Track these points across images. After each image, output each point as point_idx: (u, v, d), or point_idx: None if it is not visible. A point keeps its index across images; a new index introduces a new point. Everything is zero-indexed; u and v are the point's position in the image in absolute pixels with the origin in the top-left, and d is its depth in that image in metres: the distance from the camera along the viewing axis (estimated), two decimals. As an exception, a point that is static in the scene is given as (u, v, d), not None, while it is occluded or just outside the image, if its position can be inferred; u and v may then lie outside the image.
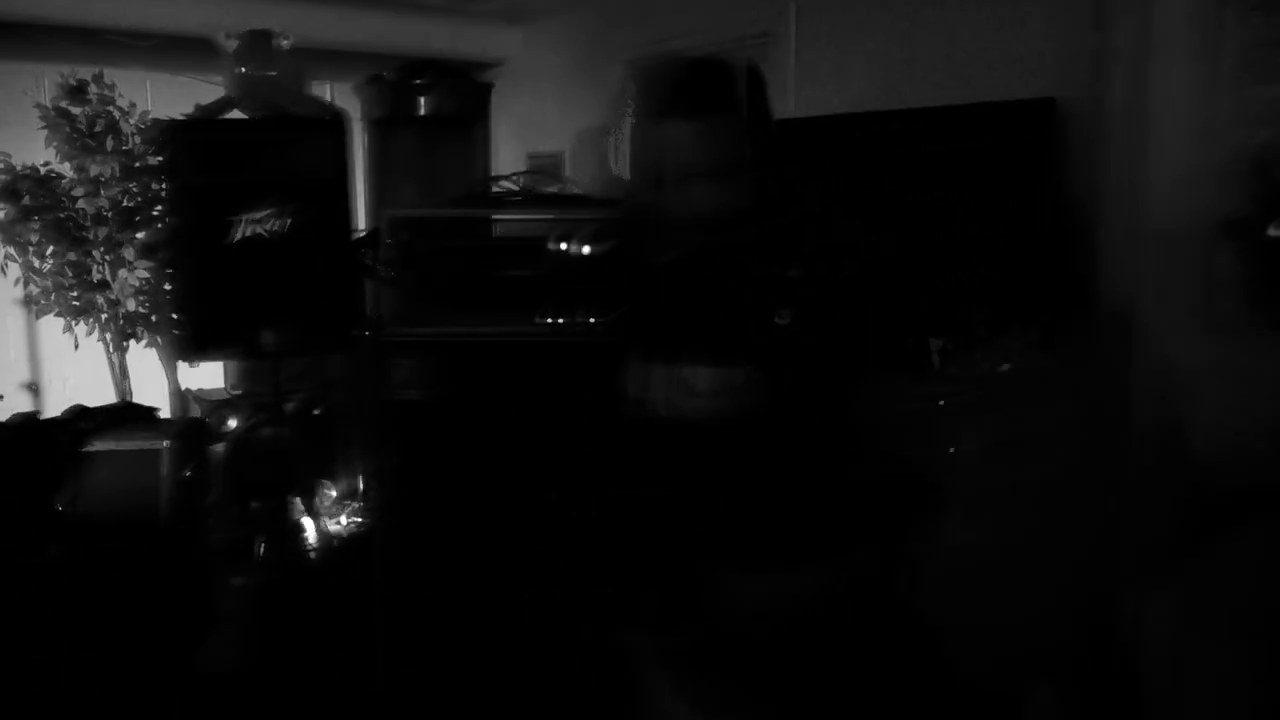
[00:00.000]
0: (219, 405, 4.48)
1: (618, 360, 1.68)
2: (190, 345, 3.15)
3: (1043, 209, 2.68)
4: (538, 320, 2.75)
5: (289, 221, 3.09)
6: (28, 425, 3.50)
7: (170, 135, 3.19)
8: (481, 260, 3.00)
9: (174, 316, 3.84)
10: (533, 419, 2.80)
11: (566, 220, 2.85)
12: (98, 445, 3.44)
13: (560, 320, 2.76)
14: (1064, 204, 2.67)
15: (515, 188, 3.16)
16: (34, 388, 4.49)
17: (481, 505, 2.77)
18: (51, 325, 4.34)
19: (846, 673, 1.60)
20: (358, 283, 3.15)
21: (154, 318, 4.27)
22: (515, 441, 2.82)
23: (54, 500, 3.30)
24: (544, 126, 4.48)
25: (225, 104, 3.29)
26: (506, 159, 4.72)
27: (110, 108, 4.24)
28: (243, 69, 3.16)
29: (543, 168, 3.83)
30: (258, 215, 3.07)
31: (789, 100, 3.39)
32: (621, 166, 1.67)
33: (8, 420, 3.51)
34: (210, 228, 3.10)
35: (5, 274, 4.21)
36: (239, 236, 3.07)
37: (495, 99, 4.80)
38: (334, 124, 3.21)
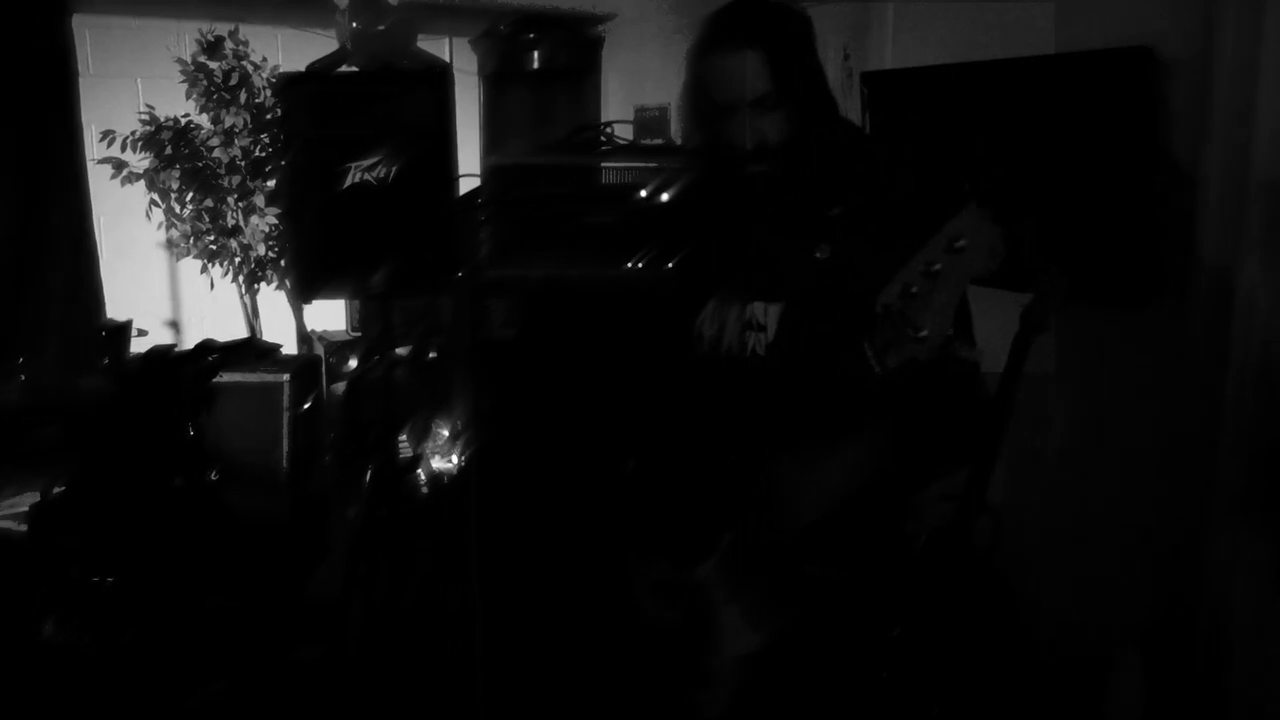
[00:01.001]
0: (340, 346, 4.74)
1: (689, 301, 1.75)
2: (304, 286, 3.35)
3: (1140, 162, 2.60)
4: (627, 265, 2.84)
5: (395, 169, 3.23)
6: (160, 357, 3.80)
7: (285, 89, 3.37)
8: (574, 206, 3.09)
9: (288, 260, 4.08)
10: (614, 363, 2.87)
11: (656, 169, 2.92)
12: (224, 378, 3.71)
13: (643, 265, 2.84)
14: (1163, 158, 2.59)
15: (609, 138, 3.24)
16: (174, 325, 4.84)
17: (566, 445, 2.88)
18: (190, 267, 4.66)
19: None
20: (461, 228, 3.28)
21: (281, 261, 4.55)
22: (599, 384, 2.91)
23: (183, 430, 3.58)
24: (651, 80, 4.53)
25: (338, 58, 3.45)
26: (615, 112, 4.79)
27: (244, 62, 4.50)
28: (354, 24, 3.32)
29: (647, 120, 3.89)
30: (366, 164, 3.22)
31: (886, 53, 3.37)
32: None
33: (144, 353, 3.81)
34: (322, 176, 3.27)
35: (149, 219, 4.54)
36: (349, 183, 3.23)
37: (605, 52, 4.87)
38: (437, 78, 3.33)
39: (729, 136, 1.60)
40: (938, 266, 1.32)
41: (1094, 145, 2.63)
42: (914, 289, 1.33)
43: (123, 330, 3.77)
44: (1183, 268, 2.52)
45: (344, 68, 3.38)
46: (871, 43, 3.50)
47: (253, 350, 4.02)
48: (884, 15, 3.44)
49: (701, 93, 1.62)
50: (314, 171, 3.24)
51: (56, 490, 3.12)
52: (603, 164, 2.99)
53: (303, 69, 4.59)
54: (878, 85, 3.32)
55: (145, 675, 2.97)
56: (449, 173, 3.27)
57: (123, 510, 3.21)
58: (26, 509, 3.28)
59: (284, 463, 3.78)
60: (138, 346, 3.89)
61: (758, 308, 1.64)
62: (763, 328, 1.63)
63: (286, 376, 3.79)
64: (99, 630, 3.01)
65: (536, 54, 4.75)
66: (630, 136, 3.37)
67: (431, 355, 4.52)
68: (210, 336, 4.30)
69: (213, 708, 2.88)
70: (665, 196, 2.88)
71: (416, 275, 3.27)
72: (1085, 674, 2.67)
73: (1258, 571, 2.36)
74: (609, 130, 3.16)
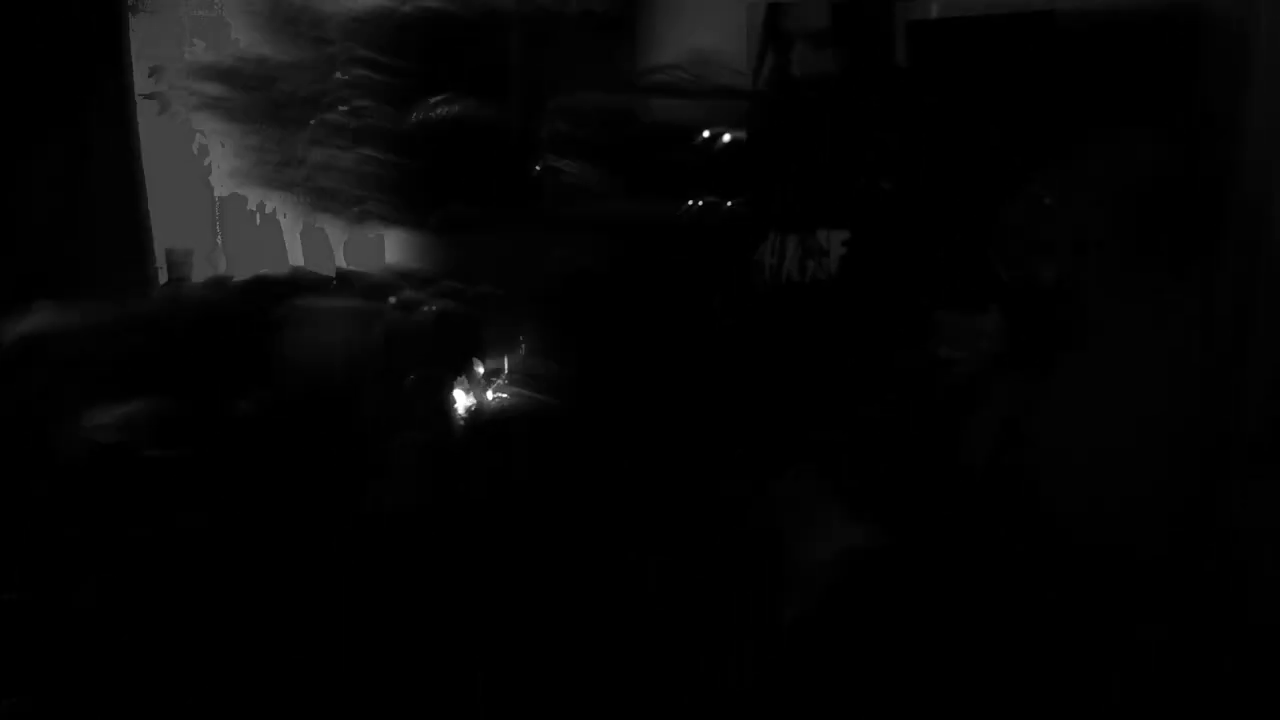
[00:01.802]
0: (382, 283, 4.86)
1: (751, 236, 1.90)
2: (374, 218, 3.49)
3: (1179, 123, 2.68)
4: (689, 203, 2.99)
5: (459, 109, 3.35)
6: (224, 287, 3.92)
7: (356, 28, 3.48)
8: (637, 145, 3.23)
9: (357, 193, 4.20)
10: (682, 296, 3.00)
11: (718, 107, 3.06)
12: (289, 307, 3.84)
13: (705, 202, 2.99)
14: (1204, 118, 2.69)
15: (672, 79, 3.37)
16: (224, 254, 4.94)
17: (636, 372, 3.04)
18: (234, 200, 4.76)
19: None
20: (524, 167, 3.42)
21: (336, 195, 4.65)
22: (668, 315, 3.05)
23: (251, 358, 3.71)
24: (701, 26, 4.61)
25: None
26: (660, 55, 4.88)
27: (296, -2, 4.56)
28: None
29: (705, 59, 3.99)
30: (432, 101, 3.35)
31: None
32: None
33: (207, 282, 3.93)
34: (391, 114, 3.39)
35: (195, 150, 4.63)
36: (416, 121, 3.35)
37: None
38: (500, 20, 3.47)
39: (798, 69, 1.74)
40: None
41: (1135, 100, 2.73)
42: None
43: (187, 257, 3.89)
44: (1220, 223, 2.64)
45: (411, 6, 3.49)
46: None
47: (308, 281, 4.15)
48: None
49: (774, 28, 1.77)
50: (382, 109, 3.38)
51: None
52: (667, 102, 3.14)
53: (358, 5, 4.68)
54: (922, 35, 3.43)
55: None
56: (511, 114, 3.41)
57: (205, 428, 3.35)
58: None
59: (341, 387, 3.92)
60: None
61: (820, 235, 1.79)
62: (826, 252, 1.78)
63: (348, 305, 3.93)
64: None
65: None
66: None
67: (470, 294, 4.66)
68: (257, 267, 4.45)
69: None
70: (729, 136, 3.03)
71: (481, 213, 3.43)
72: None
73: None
74: (677, 71, 3.30)
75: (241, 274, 4.45)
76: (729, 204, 2.89)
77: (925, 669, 1.81)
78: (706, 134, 3.03)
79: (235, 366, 3.49)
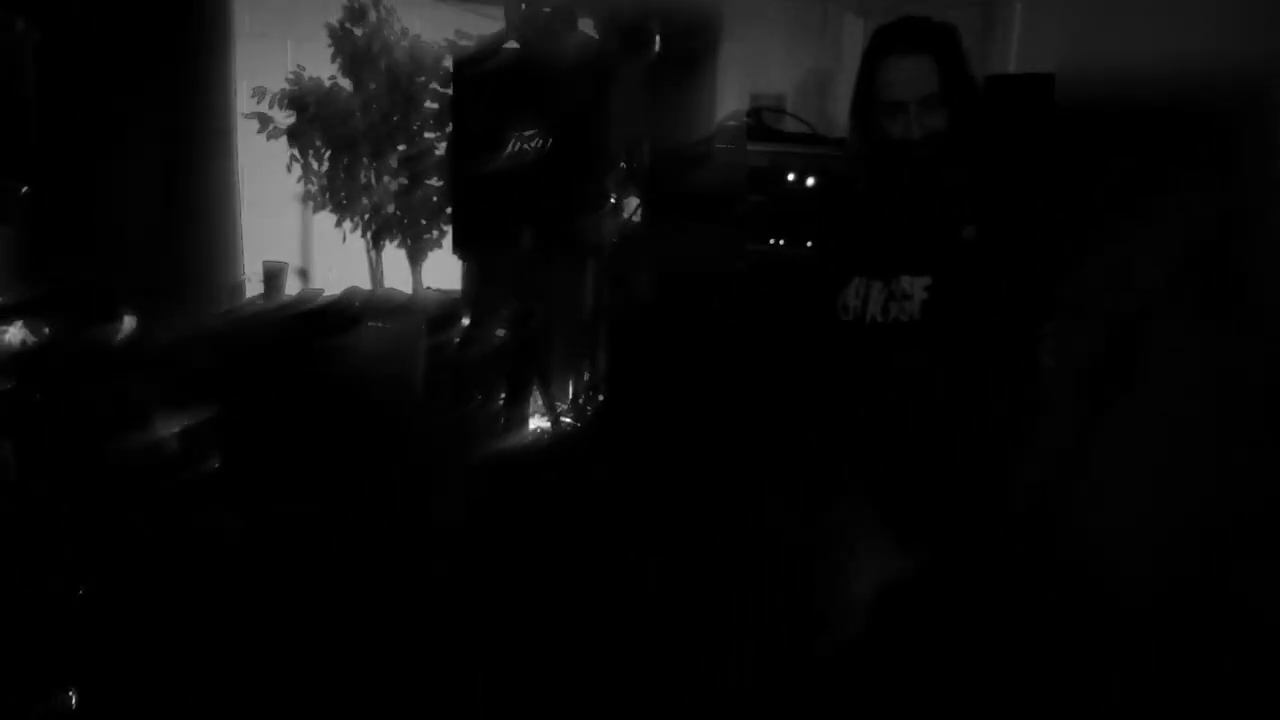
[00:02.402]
0: (452, 304, 5.04)
1: (832, 277, 2.03)
2: (462, 242, 3.67)
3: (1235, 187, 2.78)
4: (770, 242, 3.14)
5: (550, 142, 3.52)
6: (315, 302, 4.12)
7: (456, 68, 3.68)
8: (720, 188, 3.38)
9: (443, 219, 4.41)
10: (757, 331, 3.10)
11: (800, 154, 3.20)
12: (370, 322, 4.03)
13: (784, 242, 3.13)
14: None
15: (751, 123, 3.52)
16: (304, 273, 5.16)
17: (704, 410, 3.15)
18: (323, 220, 4.98)
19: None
20: (605, 202, 3.58)
21: (405, 221, 4.88)
22: (741, 352, 3.16)
23: (327, 369, 3.88)
24: (767, 68, 4.78)
25: (503, 36, 3.73)
26: (730, 98, 5.04)
27: (385, 30, 4.79)
28: (523, 5, 3.61)
29: (770, 106, 4.15)
30: (526, 134, 3.52)
31: (1010, 59, 3.60)
32: (841, 106, 2.04)
33: (298, 297, 4.13)
34: (486, 143, 3.57)
35: (289, 172, 4.86)
36: (509, 151, 3.53)
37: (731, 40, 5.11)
38: (593, 60, 3.64)
39: (896, 131, 1.90)
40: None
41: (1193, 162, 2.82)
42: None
43: (280, 272, 4.09)
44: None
45: (509, 44, 3.67)
46: (995, 46, 3.74)
47: (388, 302, 4.34)
48: (1010, 18, 3.67)
49: (873, 92, 1.93)
50: (478, 139, 3.57)
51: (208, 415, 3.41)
52: (762, 148, 3.29)
53: (442, 39, 4.91)
54: (1000, 90, 3.56)
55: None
56: (603, 150, 3.57)
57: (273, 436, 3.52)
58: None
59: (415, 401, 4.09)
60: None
61: (904, 280, 1.92)
62: (908, 296, 1.91)
63: (424, 325, 4.11)
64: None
65: (658, 38, 5.01)
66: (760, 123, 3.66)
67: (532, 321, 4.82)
68: (341, 285, 4.65)
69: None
70: (811, 181, 3.17)
71: (567, 242, 3.59)
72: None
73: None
74: (759, 117, 3.46)
75: (328, 290, 4.67)
76: (807, 245, 2.99)
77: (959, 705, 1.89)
78: (791, 178, 3.18)
79: (309, 384, 3.65)
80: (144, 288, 4.24)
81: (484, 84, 3.54)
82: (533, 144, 3.51)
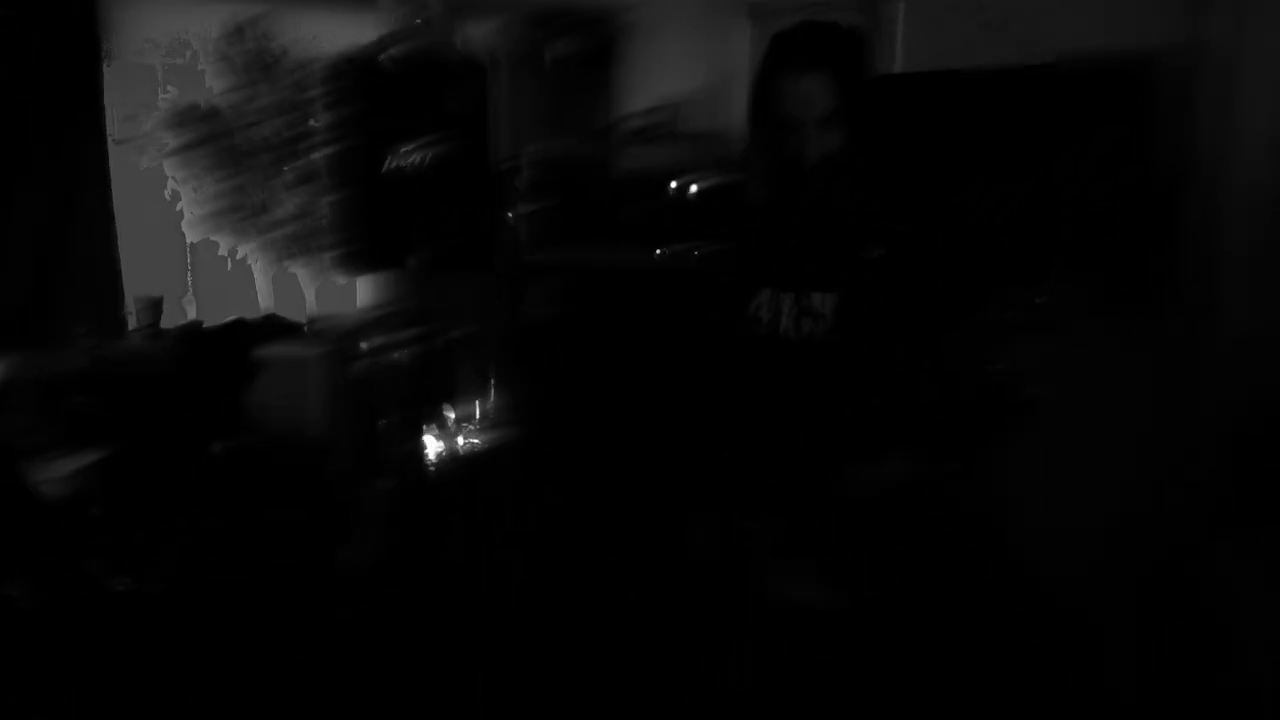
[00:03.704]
0: (354, 327, 4.85)
1: (730, 288, 1.93)
2: (349, 262, 3.50)
3: (1131, 168, 2.78)
4: (658, 251, 3.03)
5: (434, 154, 3.37)
6: (198, 334, 3.92)
7: (334, 74, 3.51)
8: (609, 194, 3.28)
9: (332, 238, 4.22)
10: (654, 342, 3.02)
11: (687, 160, 3.11)
12: (262, 353, 3.84)
13: (676, 251, 3.03)
14: (1154, 163, 2.76)
15: (643, 128, 3.42)
16: (193, 301, 4.92)
17: (609, 420, 3.05)
18: (210, 245, 4.76)
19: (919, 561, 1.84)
20: (497, 213, 3.44)
21: (302, 242, 4.67)
22: (640, 363, 3.07)
23: (225, 402, 3.70)
24: (669, 73, 4.69)
25: (381, 45, 3.58)
26: (633, 102, 4.96)
27: (271, 45, 4.60)
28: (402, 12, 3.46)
29: (666, 113, 4.06)
30: (408, 148, 3.37)
31: (896, 57, 3.56)
32: (738, 115, 1.94)
33: (180, 329, 3.92)
34: (367, 159, 3.41)
35: (168, 198, 4.63)
36: (392, 166, 3.37)
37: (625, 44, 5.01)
38: (477, 68, 3.50)
39: (792, 149, 1.79)
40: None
41: (1092, 151, 2.81)
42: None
43: (158, 304, 3.88)
44: (1173, 270, 2.70)
45: (388, 54, 3.52)
46: (879, 46, 3.68)
47: (281, 326, 4.15)
48: (894, 19, 3.62)
49: (767, 108, 1.81)
50: (359, 154, 3.40)
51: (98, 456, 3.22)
52: (646, 154, 3.19)
53: (334, 51, 4.71)
54: (882, 90, 3.52)
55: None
56: (486, 159, 3.44)
57: (168, 475, 3.34)
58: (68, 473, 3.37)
59: (315, 436, 3.91)
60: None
61: (815, 297, 1.82)
62: (820, 314, 1.82)
63: (316, 354, 3.93)
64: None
65: (558, 43, 4.89)
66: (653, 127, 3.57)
67: (442, 338, 4.66)
68: (229, 312, 4.43)
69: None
70: (695, 188, 3.08)
71: (456, 258, 3.45)
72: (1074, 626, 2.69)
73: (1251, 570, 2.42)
74: (654, 121, 3.36)
75: (213, 319, 4.45)
76: (702, 251, 2.91)
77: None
78: (681, 182, 3.08)
79: (205, 415, 3.48)
80: (19, 327, 4.03)
81: (366, 90, 3.38)
82: (417, 157, 3.36)
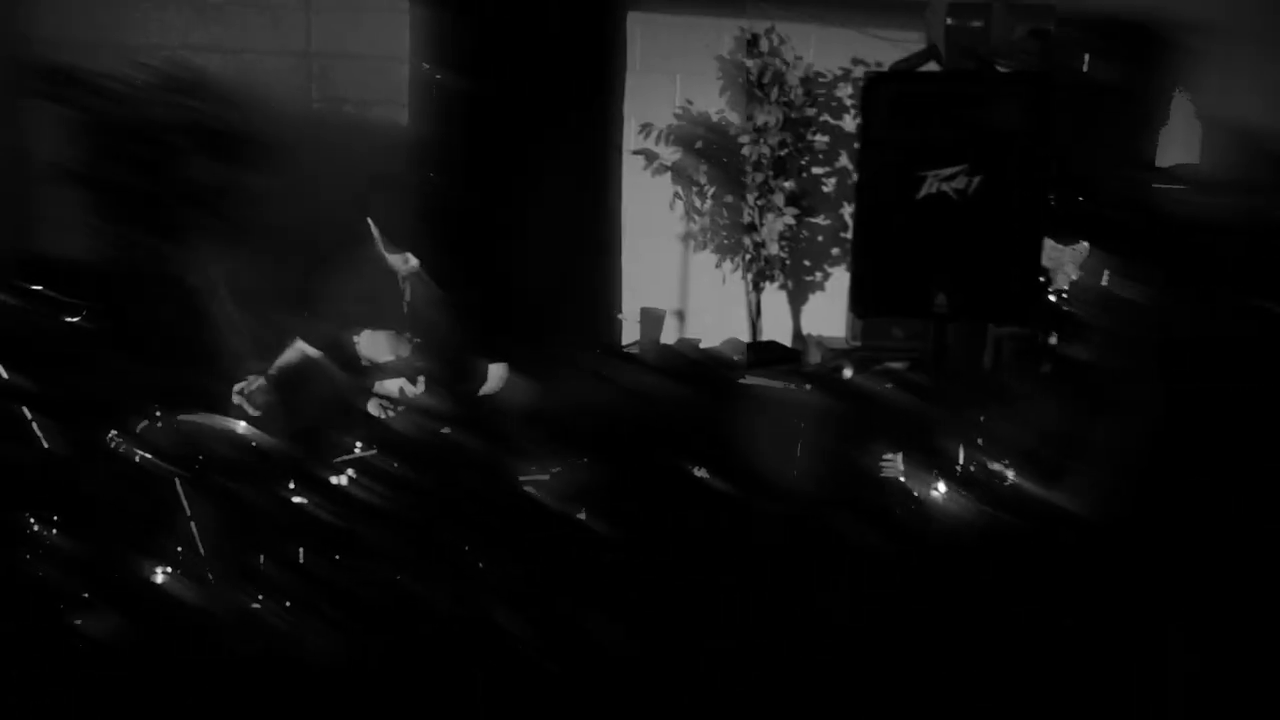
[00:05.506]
0: (837, 354, 4.58)
1: None
2: (863, 301, 3.17)
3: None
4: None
5: (979, 180, 2.96)
6: (693, 353, 3.83)
7: (867, 88, 3.19)
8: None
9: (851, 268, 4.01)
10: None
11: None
12: (750, 380, 3.66)
13: None
14: None
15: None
16: (680, 314, 4.93)
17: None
18: (702, 260, 4.73)
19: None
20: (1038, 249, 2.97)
21: (788, 262, 4.55)
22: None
23: (710, 426, 3.56)
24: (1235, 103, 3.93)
25: (924, 56, 3.24)
26: (1177, 127, 4.25)
27: (777, 60, 4.47)
28: (949, 20, 3.09)
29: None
30: (947, 172, 2.98)
31: None
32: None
33: (678, 346, 3.85)
34: (897, 183, 3.06)
35: (672, 209, 4.65)
36: (925, 193, 3.00)
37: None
38: (1038, 80, 3.02)
39: None
40: None
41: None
42: None
43: (660, 319, 3.84)
44: None
45: (929, 67, 3.17)
46: None
47: (776, 353, 3.97)
48: None
49: None
50: (888, 178, 3.05)
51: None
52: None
53: (836, 68, 4.50)
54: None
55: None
56: (1042, 188, 2.96)
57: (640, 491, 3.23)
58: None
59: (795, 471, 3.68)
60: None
61: None
62: None
63: (809, 387, 3.68)
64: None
65: (1088, 58, 4.30)
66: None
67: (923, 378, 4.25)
68: (716, 330, 4.35)
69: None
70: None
71: (990, 300, 3.00)
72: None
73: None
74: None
75: (705, 338, 4.40)
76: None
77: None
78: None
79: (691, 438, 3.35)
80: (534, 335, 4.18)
81: (898, 108, 3.03)
82: (955, 183, 2.97)
